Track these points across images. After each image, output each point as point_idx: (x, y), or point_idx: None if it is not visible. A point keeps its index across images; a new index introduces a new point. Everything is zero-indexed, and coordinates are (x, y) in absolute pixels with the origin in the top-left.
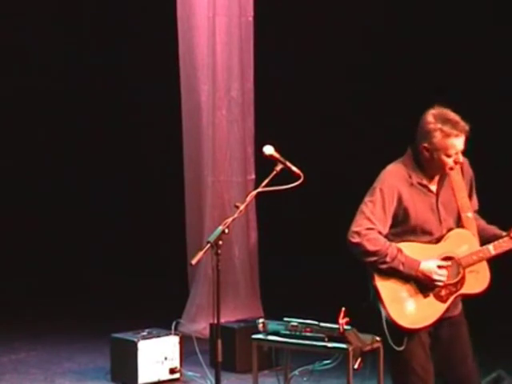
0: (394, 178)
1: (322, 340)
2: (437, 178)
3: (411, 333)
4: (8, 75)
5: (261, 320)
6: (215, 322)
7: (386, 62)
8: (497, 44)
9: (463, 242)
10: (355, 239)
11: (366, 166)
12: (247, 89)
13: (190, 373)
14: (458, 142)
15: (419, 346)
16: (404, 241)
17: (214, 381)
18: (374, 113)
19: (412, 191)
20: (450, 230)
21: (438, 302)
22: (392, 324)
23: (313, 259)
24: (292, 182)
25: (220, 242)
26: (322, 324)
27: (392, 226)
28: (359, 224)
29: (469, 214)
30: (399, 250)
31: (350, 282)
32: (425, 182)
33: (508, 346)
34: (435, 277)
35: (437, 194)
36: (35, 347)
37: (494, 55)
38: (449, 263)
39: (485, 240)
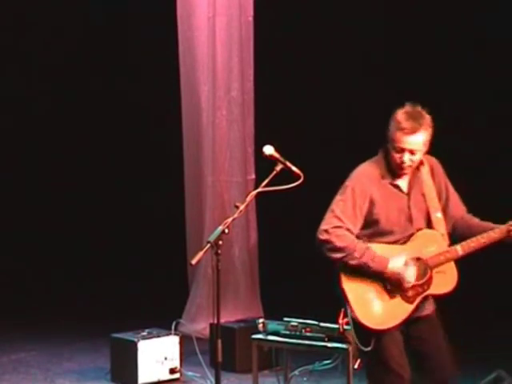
0: (367, 178)
1: (322, 340)
2: (408, 179)
3: (379, 333)
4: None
5: (261, 320)
6: (215, 322)
7: (386, 62)
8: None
9: (431, 243)
10: (324, 236)
11: None
12: (247, 89)
13: (189, 373)
14: (406, 140)
15: (393, 343)
16: (373, 242)
17: (213, 381)
18: (374, 113)
19: (384, 191)
20: (418, 230)
21: (405, 303)
22: (359, 325)
23: (313, 259)
24: (292, 182)
25: (220, 242)
26: (322, 324)
27: (363, 227)
28: (328, 222)
29: (438, 215)
30: (368, 247)
31: None
32: (396, 182)
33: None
34: (404, 275)
35: (408, 195)
36: (35, 347)
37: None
38: (417, 264)
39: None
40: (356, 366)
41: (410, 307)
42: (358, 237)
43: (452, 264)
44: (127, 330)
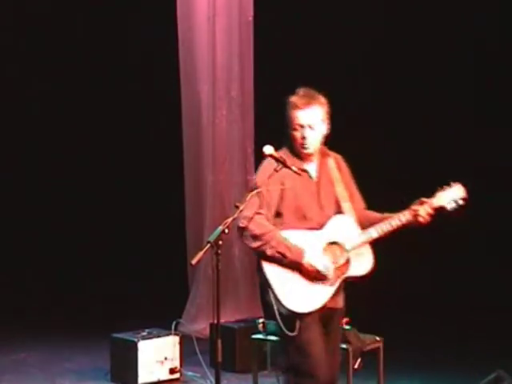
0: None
1: None
2: (316, 166)
3: (303, 318)
4: None
5: (261, 320)
6: (215, 322)
7: (386, 62)
8: None
9: (345, 227)
10: (243, 224)
11: (366, 165)
12: (247, 89)
13: (190, 373)
14: (303, 115)
15: (314, 330)
16: (287, 229)
17: (213, 381)
18: (374, 113)
19: (294, 177)
20: (331, 216)
21: (326, 286)
22: (283, 309)
23: None
24: None
25: (220, 242)
26: None
27: (277, 214)
28: (247, 210)
29: (347, 204)
30: (284, 238)
31: (349, 282)
32: (305, 167)
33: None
34: (320, 268)
35: (318, 181)
36: (35, 347)
37: None
38: (333, 248)
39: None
40: (356, 366)
41: (331, 290)
42: (273, 225)
43: (368, 246)
44: (127, 330)
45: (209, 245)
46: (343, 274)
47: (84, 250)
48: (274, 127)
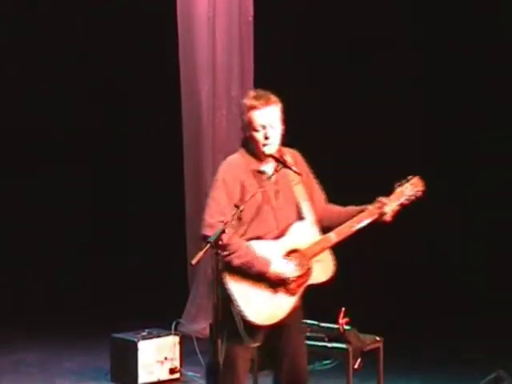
0: (235, 168)
1: (322, 340)
2: (273, 166)
3: (267, 329)
4: None
5: None
6: (215, 322)
7: (386, 62)
8: None
9: (305, 233)
10: (209, 232)
11: (366, 164)
12: (247, 89)
13: (190, 373)
14: (263, 114)
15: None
16: (247, 234)
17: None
18: (375, 112)
19: (252, 179)
20: (290, 222)
21: (288, 296)
22: (246, 321)
23: None
24: None
25: (220, 242)
26: (322, 324)
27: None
28: (211, 217)
29: (306, 203)
30: (248, 246)
31: (349, 282)
32: (262, 169)
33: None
34: (287, 275)
35: (276, 182)
36: (35, 347)
37: None
38: (294, 256)
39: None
40: (356, 366)
41: (293, 299)
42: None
43: (328, 252)
44: (127, 330)
45: (209, 245)
46: (305, 282)
47: (84, 250)
48: None
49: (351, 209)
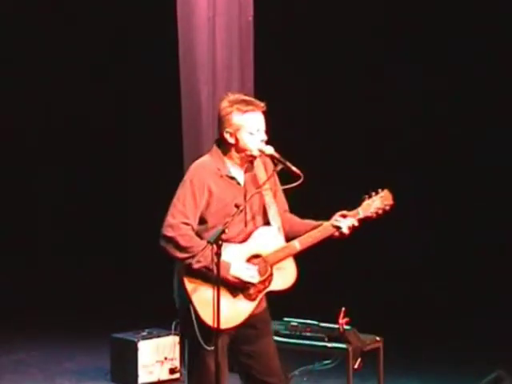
0: (204, 171)
1: (322, 340)
2: (243, 172)
3: (223, 332)
4: None
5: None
6: (215, 321)
7: (386, 62)
8: None
9: (269, 239)
10: (169, 233)
11: (366, 164)
12: (247, 89)
13: None
14: (256, 117)
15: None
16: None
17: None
18: (375, 113)
19: (221, 184)
20: (255, 227)
21: (247, 301)
22: (202, 325)
23: (313, 259)
24: (292, 182)
25: (220, 242)
26: (322, 324)
27: (201, 221)
28: (173, 217)
29: (273, 208)
30: (210, 251)
31: (349, 282)
32: (233, 174)
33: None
34: (247, 279)
35: (245, 188)
36: (35, 347)
37: None
38: (256, 261)
39: (302, 235)
40: (356, 366)
41: (253, 305)
42: (197, 233)
43: (291, 260)
44: (127, 330)
45: (209, 245)
46: (265, 288)
47: (84, 250)
48: (273, 127)
49: (308, 223)
